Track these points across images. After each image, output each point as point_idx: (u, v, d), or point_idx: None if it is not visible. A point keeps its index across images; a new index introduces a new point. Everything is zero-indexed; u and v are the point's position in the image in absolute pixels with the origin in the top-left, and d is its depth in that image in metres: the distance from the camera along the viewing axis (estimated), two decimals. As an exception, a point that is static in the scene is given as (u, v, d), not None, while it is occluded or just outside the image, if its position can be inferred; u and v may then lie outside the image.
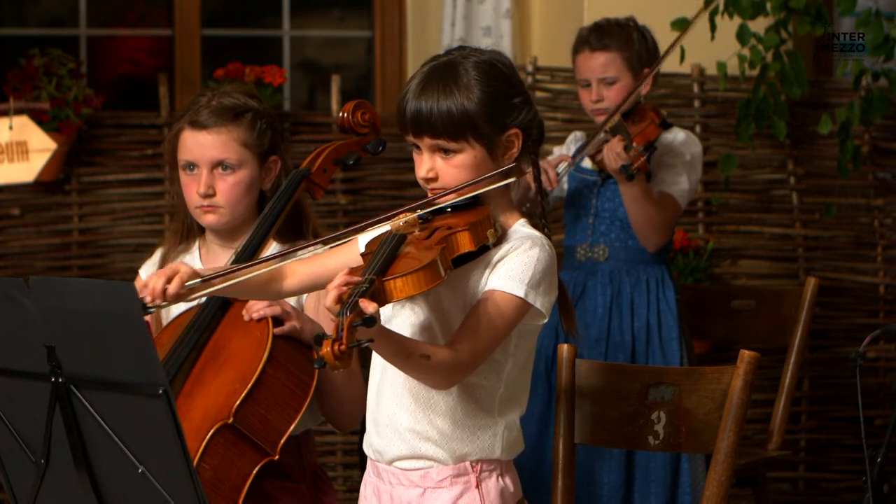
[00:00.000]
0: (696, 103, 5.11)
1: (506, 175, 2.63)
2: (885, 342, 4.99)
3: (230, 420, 2.98)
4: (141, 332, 2.24)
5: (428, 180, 2.65)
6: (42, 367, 2.33)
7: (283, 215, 3.20)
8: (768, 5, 4.61)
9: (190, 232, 3.33)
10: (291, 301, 3.16)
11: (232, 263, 3.14)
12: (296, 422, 3.05)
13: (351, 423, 3.24)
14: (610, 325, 4.14)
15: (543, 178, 4.03)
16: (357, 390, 3.18)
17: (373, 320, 2.35)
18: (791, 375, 4.24)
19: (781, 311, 4.39)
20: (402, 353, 2.50)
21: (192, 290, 2.62)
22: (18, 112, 4.51)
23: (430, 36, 5.37)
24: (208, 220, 3.23)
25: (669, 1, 4.54)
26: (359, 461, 4.99)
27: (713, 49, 4.66)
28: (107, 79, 5.75)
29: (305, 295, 3.20)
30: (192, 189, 3.22)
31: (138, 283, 2.58)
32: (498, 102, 2.62)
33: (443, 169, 2.63)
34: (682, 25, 4.50)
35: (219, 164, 3.21)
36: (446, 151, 2.63)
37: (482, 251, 2.60)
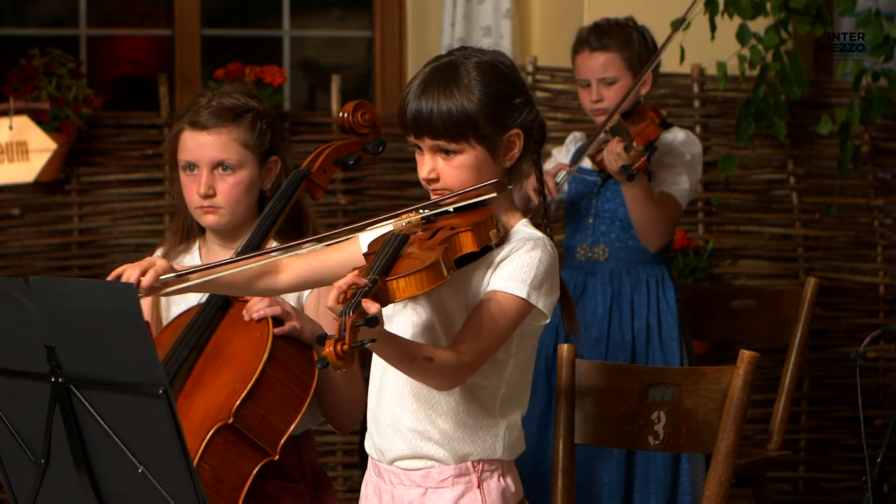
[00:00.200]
0: (696, 103, 5.11)
1: (512, 181, 2.64)
2: (885, 342, 4.99)
3: (230, 420, 2.98)
4: (141, 332, 2.24)
5: (429, 181, 2.65)
6: (42, 367, 2.33)
7: (284, 215, 3.20)
8: (768, 5, 4.61)
9: (190, 232, 3.33)
10: (291, 301, 3.16)
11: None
12: (296, 422, 3.05)
13: (351, 423, 3.24)
14: (610, 326, 4.14)
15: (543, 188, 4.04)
16: (357, 390, 3.18)
17: (375, 320, 2.35)
18: (791, 375, 4.24)
19: (781, 311, 4.39)
20: (406, 356, 2.50)
21: (166, 283, 2.63)
22: (18, 112, 4.51)
23: (430, 36, 5.37)
24: (208, 220, 3.23)
25: (669, 1, 4.53)
26: (359, 461, 4.99)
27: (713, 49, 4.66)
28: (107, 79, 5.75)
29: (306, 295, 3.21)
30: (193, 189, 3.22)
31: (113, 273, 2.59)
32: (499, 103, 2.62)
33: (444, 170, 2.63)
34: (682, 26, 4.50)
35: (219, 165, 3.21)
36: (447, 152, 2.63)
37: (485, 251, 2.60)
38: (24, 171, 4.51)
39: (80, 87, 4.75)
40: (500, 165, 2.65)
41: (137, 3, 5.83)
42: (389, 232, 2.58)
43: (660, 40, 4.21)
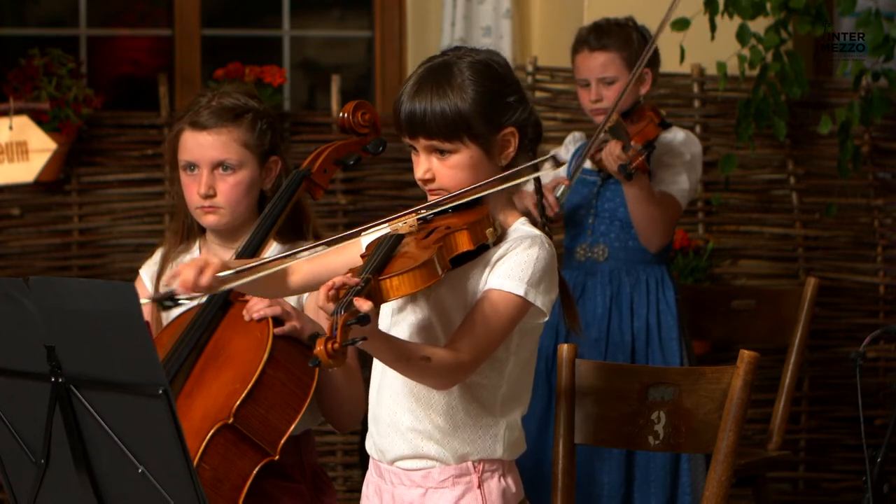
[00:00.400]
0: (696, 103, 5.11)
1: (513, 177, 2.64)
2: (885, 342, 4.99)
3: (230, 420, 2.98)
4: (141, 332, 2.24)
5: (425, 181, 2.65)
6: (42, 367, 2.33)
7: (284, 215, 3.20)
8: (768, 5, 4.61)
9: (190, 232, 3.33)
10: (291, 301, 3.16)
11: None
12: (296, 422, 3.05)
13: (351, 423, 3.24)
14: (609, 326, 4.14)
15: (543, 203, 4.03)
16: (357, 390, 3.18)
17: (367, 318, 2.35)
18: (791, 375, 4.24)
19: (781, 311, 4.39)
20: (402, 356, 2.50)
21: (224, 281, 2.58)
22: (18, 112, 4.51)
23: (430, 36, 5.37)
24: (209, 220, 3.23)
25: (669, 1, 4.53)
26: (359, 461, 4.99)
27: (713, 49, 4.67)
28: (107, 79, 5.75)
29: (306, 295, 3.21)
30: (193, 189, 3.22)
31: (169, 273, 2.56)
32: (492, 102, 2.62)
33: (439, 170, 2.63)
34: (682, 26, 4.50)
35: (219, 165, 3.21)
36: (442, 152, 2.63)
37: (481, 250, 2.60)
38: (24, 171, 4.51)
39: (80, 87, 4.76)
40: (496, 164, 2.65)
41: (137, 3, 5.83)
42: (386, 233, 2.58)
43: (660, 40, 4.20)
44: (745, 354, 2.84)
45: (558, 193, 4.07)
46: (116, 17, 5.80)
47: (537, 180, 2.73)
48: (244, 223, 3.24)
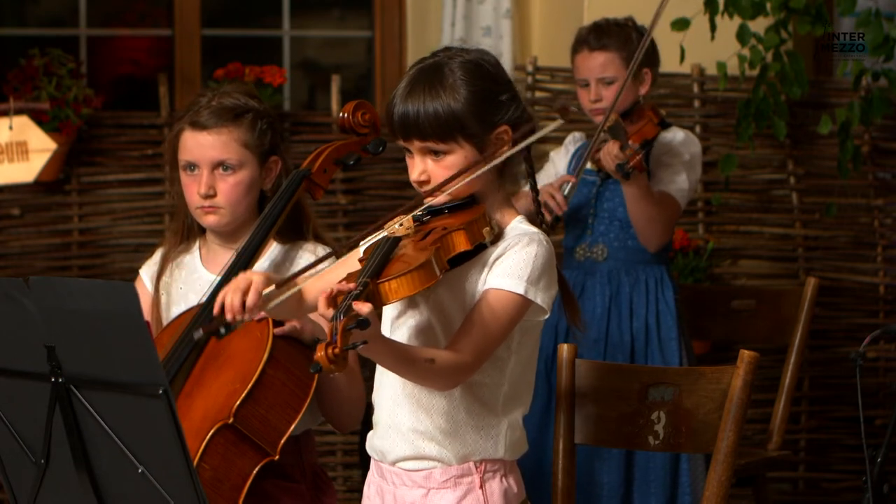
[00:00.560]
0: (696, 103, 5.11)
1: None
2: (885, 342, 4.99)
3: (230, 420, 2.98)
4: (141, 332, 2.24)
5: (420, 183, 2.65)
6: (42, 367, 2.33)
7: (284, 215, 3.20)
8: (768, 5, 4.61)
9: (190, 232, 3.33)
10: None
11: (231, 264, 3.14)
12: (296, 422, 3.05)
13: (351, 423, 3.24)
14: (609, 326, 4.14)
15: (552, 203, 4.03)
16: (357, 390, 3.18)
17: (367, 322, 2.34)
18: (791, 375, 4.24)
19: (781, 311, 4.39)
20: (406, 359, 2.50)
21: (269, 298, 2.54)
22: (18, 112, 4.51)
23: (430, 36, 5.37)
24: (209, 220, 3.23)
25: (669, 1, 4.53)
26: (359, 461, 4.99)
27: (713, 49, 4.67)
28: (107, 79, 5.75)
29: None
30: (193, 189, 3.22)
31: (217, 305, 2.52)
32: (485, 101, 2.62)
33: (434, 171, 2.63)
34: (682, 26, 4.50)
35: (219, 165, 3.21)
36: (437, 153, 2.63)
37: (479, 250, 2.60)
38: (24, 171, 4.51)
39: (80, 87, 4.76)
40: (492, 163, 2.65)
41: (137, 3, 5.83)
42: (383, 236, 2.58)
43: (660, 40, 4.21)
44: (745, 354, 2.84)
45: (566, 192, 4.07)
46: (116, 17, 5.80)
47: (528, 161, 2.73)
48: (244, 223, 3.24)
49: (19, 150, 4.49)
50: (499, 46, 5.22)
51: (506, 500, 2.67)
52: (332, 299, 2.40)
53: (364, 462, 2.83)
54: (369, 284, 2.42)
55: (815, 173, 5.11)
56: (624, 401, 2.95)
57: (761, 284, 5.08)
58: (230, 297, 2.53)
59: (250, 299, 2.53)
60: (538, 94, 5.18)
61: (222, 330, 2.52)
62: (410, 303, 2.63)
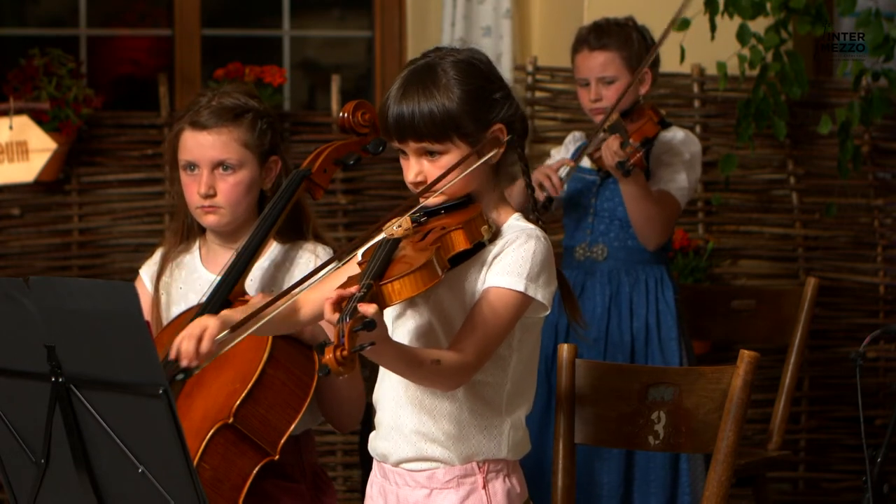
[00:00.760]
0: (696, 103, 5.11)
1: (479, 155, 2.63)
2: (885, 342, 4.99)
3: (230, 420, 2.98)
4: (141, 332, 2.24)
5: (416, 184, 2.65)
6: (42, 367, 2.33)
7: (284, 215, 3.20)
8: (768, 5, 4.61)
9: (190, 232, 3.33)
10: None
11: (231, 264, 3.15)
12: (296, 422, 3.05)
13: (351, 423, 3.24)
14: (609, 325, 4.14)
15: (547, 184, 4.04)
16: (357, 390, 3.18)
17: (373, 324, 2.35)
18: (791, 375, 4.24)
19: (781, 311, 4.39)
20: (412, 361, 2.50)
21: (223, 343, 2.58)
22: (18, 112, 4.51)
23: (430, 36, 5.37)
24: (209, 220, 3.23)
25: (669, 1, 4.53)
26: (359, 461, 4.98)
27: (713, 49, 4.67)
28: (107, 79, 5.75)
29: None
30: (193, 189, 3.22)
31: (173, 351, 2.55)
32: (479, 99, 2.62)
33: (430, 171, 2.63)
34: (682, 26, 4.50)
35: (219, 165, 3.21)
36: (432, 153, 2.63)
37: (478, 249, 2.60)
38: (24, 171, 4.51)
39: (80, 87, 4.76)
40: (486, 162, 2.65)
41: (137, 3, 5.83)
42: (382, 238, 2.58)
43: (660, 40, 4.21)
44: (745, 354, 2.84)
45: (563, 174, 4.07)
46: (116, 17, 5.80)
47: (523, 159, 2.73)
48: (244, 223, 3.24)
49: (19, 149, 4.49)
50: (499, 46, 5.22)
51: (509, 500, 2.67)
52: (337, 303, 2.40)
53: (364, 462, 2.83)
54: (373, 286, 2.42)
55: (815, 173, 5.11)
56: (624, 401, 2.95)
57: (761, 284, 5.08)
58: (185, 344, 2.56)
59: (204, 346, 2.56)
60: (538, 94, 5.18)
61: (180, 376, 2.60)
62: (410, 303, 2.63)
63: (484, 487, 2.66)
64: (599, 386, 2.97)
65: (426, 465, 2.66)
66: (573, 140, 4.32)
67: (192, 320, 3.09)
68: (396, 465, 2.69)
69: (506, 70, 5.12)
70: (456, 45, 5.12)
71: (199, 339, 2.56)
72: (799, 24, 4.68)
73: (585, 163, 4.18)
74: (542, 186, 4.04)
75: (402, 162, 2.68)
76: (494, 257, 2.61)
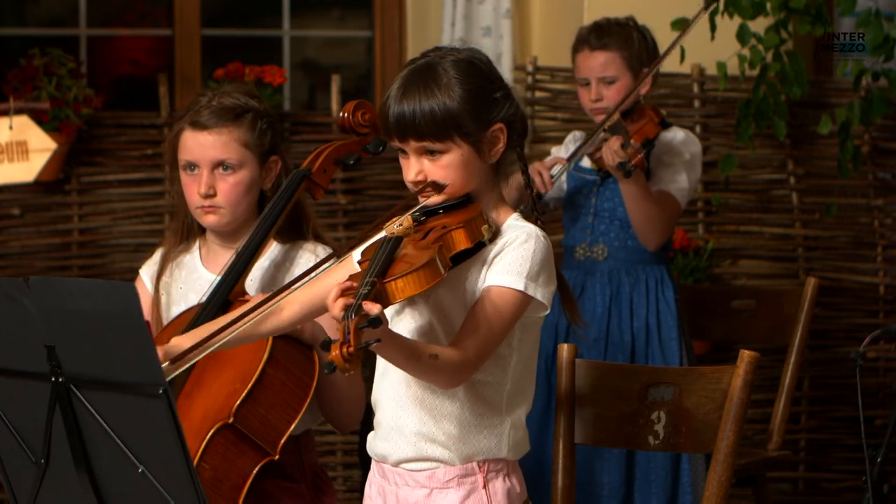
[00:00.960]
0: (696, 103, 5.11)
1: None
2: (885, 342, 4.99)
3: (230, 420, 2.98)
4: (141, 332, 2.24)
5: (416, 184, 2.65)
6: (42, 367, 2.33)
7: (284, 215, 3.20)
8: (768, 5, 4.61)
9: (190, 232, 3.33)
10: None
11: (231, 264, 3.15)
12: (296, 422, 3.05)
13: (351, 423, 3.24)
14: (609, 325, 4.14)
15: (538, 180, 4.04)
16: (357, 390, 3.18)
17: (378, 321, 2.35)
18: (791, 375, 4.24)
19: (781, 311, 4.39)
20: (412, 355, 2.50)
21: (167, 372, 2.53)
22: (18, 112, 4.51)
23: (430, 36, 5.37)
24: (209, 220, 3.23)
25: (669, 1, 4.54)
26: (359, 461, 4.99)
27: (713, 49, 4.66)
28: (107, 79, 5.75)
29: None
30: (193, 189, 3.22)
31: None
32: (479, 99, 2.62)
33: (431, 170, 2.63)
34: (682, 25, 4.50)
35: (219, 165, 3.21)
36: (433, 153, 2.63)
37: (478, 248, 2.60)
38: (24, 170, 4.51)
39: (80, 87, 4.76)
40: (486, 161, 2.65)
41: (137, 3, 5.83)
42: (382, 237, 2.58)
43: (660, 40, 4.21)
44: (745, 354, 2.84)
45: (554, 172, 4.07)
46: (116, 17, 5.80)
47: (522, 159, 2.73)
48: (244, 223, 3.24)
49: (19, 149, 4.49)
50: (499, 46, 5.22)
51: (509, 499, 2.67)
52: (343, 300, 2.40)
53: (364, 462, 2.83)
54: (376, 284, 2.42)
55: (815, 173, 5.11)
56: (624, 401, 2.95)
57: (761, 284, 5.08)
58: None
59: None
60: (538, 94, 5.18)
61: None
62: (410, 302, 2.63)
63: (484, 487, 2.66)
64: (599, 386, 2.97)
65: (426, 465, 2.66)
66: (573, 140, 4.32)
67: (192, 320, 3.11)
68: (396, 465, 2.68)
69: (506, 70, 5.12)
70: (456, 45, 5.12)
71: None
72: (799, 24, 4.68)
73: (585, 163, 4.19)
74: (532, 182, 4.04)
75: (402, 161, 2.68)
76: (495, 256, 2.61)
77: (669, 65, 4.56)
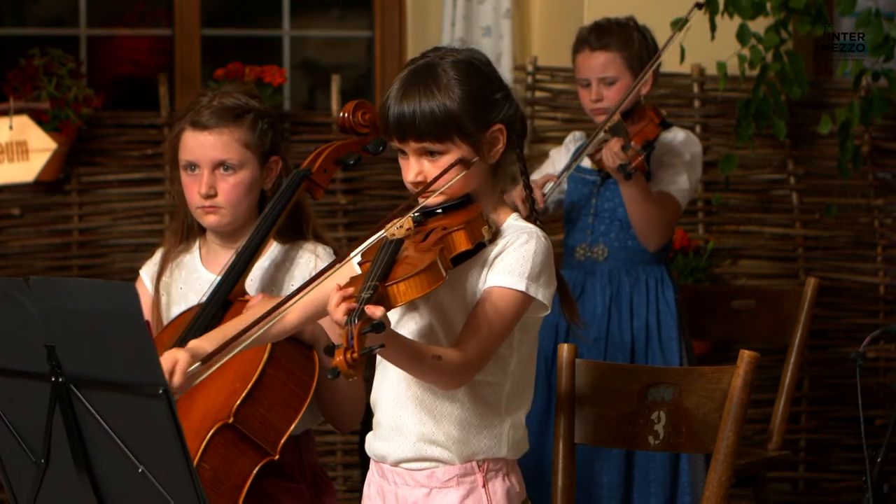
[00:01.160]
0: (696, 103, 5.11)
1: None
2: (885, 342, 4.99)
3: (230, 420, 2.98)
4: (141, 332, 2.24)
5: (416, 184, 2.65)
6: (42, 367, 2.33)
7: (284, 215, 3.20)
8: (768, 5, 4.61)
9: (190, 232, 3.33)
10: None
11: (231, 264, 3.14)
12: (296, 422, 3.05)
13: (351, 423, 3.24)
14: (609, 325, 4.14)
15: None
16: (357, 390, 3.18)
17: (382, 325, 2.34)
18: (791, 375, 4.24)
19: (781, 311, 4.39)
20: (415, 356, 2.50)
21: (193, 376, 2.58)
22: (18, 112, 4.51)
23: (430, 36, 5.37)
24: (210, 220, 3.23)
25: (669, 1, 4.54)
26: (359, 461, 4.99)
27: (713, 49, 4.66)
28: (107, 79, 5.75)
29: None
30: (194, 189, 3.22)
31: None
32: (479, 100, 2.62)
33: (430, 171, 2.63)
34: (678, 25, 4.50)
35: (220, 165, 3.21)
36: (432, 153, 2.63)
37: (478, 249, 2.60)
38: (24, 170, 4.51)
39: (80, 87, 4.76)
40: (486, 162, 2.65)
41: (137, 3, 5.82)
42: (382, 239, 2.58)
43: (660, 40, 4.21)
44: (745, 354, 2.84)
45: (546, 190, 4.07)
46: (116, 17, 5.80)
47: (522, 160, 2.73)
48: (245, 223, 3.24)
49: (19, 149, 4.49)
50: (499, 46, 5.22)
51: (508, 499, 2.67)
52: (346, 305, 2.39)
53: (364, 462, 2.83)
54: (378, 287, 2.41)
55: (815, 173, 5.11)
56: (624, 401, 2.95)
57: (761, 284, 5.08)
58: None
59: (175, 380, 2.56)
60: (538, 94, 5.18)
61: None
62: (411, 305, 2.62)
63: (484, 486, 2.66)
64: (599, 386, 2.97)
65: (426, 465, 2.66)
66: (573, 140, 4.32)
67: (192, 320, 3.11)
68: (395, 464, 2.68)
69: (506, 70, 5.12)
70: (456, 45, 5.12)
71: (171, 374, 2.56)
72: (799, 24, 4.68)
73: (586, 163, 4.18)
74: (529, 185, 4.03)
75: (402, 162, 2.68)
76: (495, 257, 2.61)
77: (669, 65, 4.56)
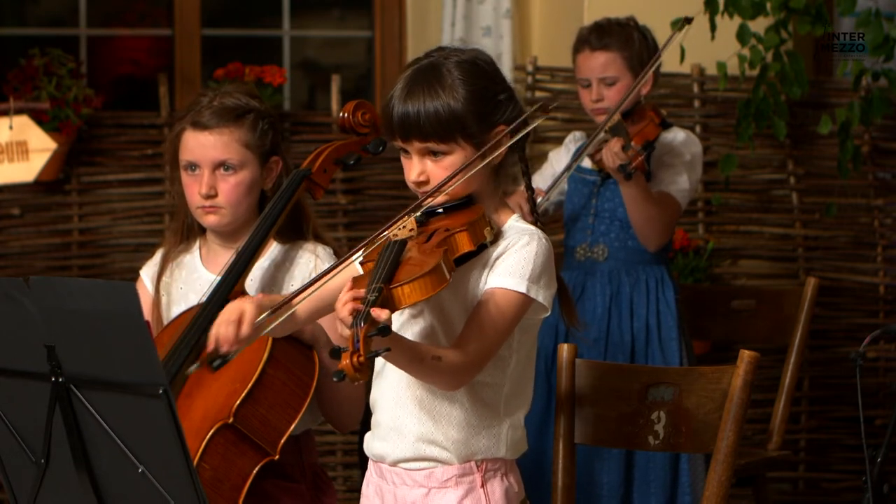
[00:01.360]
0: (696, 103, 5.11)
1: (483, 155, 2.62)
2: (885, 342, 4.99)
3: (230, 420, 2.98)
4: (141, 332, 2.24)
5: (419, 184, 2.64)
6: (42, 367, 2.33)
7: (284, 215, 3.20)
8: (768, 5, 4.61)
9: (190, 232, 3.33)
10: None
11: (231, 264, 3.14)
12: (296, 422, 3.05)
13: (351, 423, 3.24)
14: (609, 325, 4.14)
15: (518, 213, 4.03)
16: (357, 390, 3.18)
17: (387, 329, 2.34)
18: (791, 375, 4.24)
19: (781, 311, 4.39)
20: (416, 357, 2.50)
21: (261, 326, 2.56)
22: (18, 112, 4.51)
23: (430, 36, 5.37)
24: (210, 220, 3.23)
25: (669, 1, 4.54)
26: (359, 461, 4.98)
27: (713, 49, 4.67)
28: (107, 79, 5.75)
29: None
30: (194, 189, 3.22)
31: (211, 340, 2.54)
32: (483, 100, 2.62)
33: (434, 171, 2.63)
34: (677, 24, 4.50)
35: (220, 165, 3.21)
36: (436, 153, 2.63)
37: (480, 250, 2.60)
38: (24, 170, 4.51)
39: (80, 87, 4.76)
40: (489, 163, 2.65)
41: (137, 3, 5.82)
42: (385, 239, 2.57)
43: (660, 40, 4.21)
44: (745, 354, 2.84)
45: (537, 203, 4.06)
46: (116, 17, 5.80)
47: (524, 161, 2.73)
48: (245, 223, 3.24)
49: (19, 149, 4.49)
50: (499, 46, 5.22)
51: (507, 499, 2.67)
52: (353, 306, 2.39)
53: (363, 462, 2.83)
54: (383, 290, 2.41)
55: (815, 173, 5.11)
56: (624, 401, 2.95)
57: (761, 284, 5.08)
58: (223, 329, 2.54)
59: (244, 330, 2.55)
60: (538, 94, 5.18)
61: (217, 362, 2.56)
62: (414, 305, 2.62)
63: (482, 486, 2.66)
64: (599, 386, 2.97)
65: (424, 465, 2.66)
66: (573, 140, 4.32)
67: (192, 320, 3.11)
68: (394, 464, 2.68)
69: (506, 70, 5.11)
70: (456, 44, 5.12)
71: (239, 323, 2.54)
72: (799, 24, 4.68)
73: (586, 163, 4.18)
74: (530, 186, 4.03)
75: (404, 161, 2.68)
76: (496, 258, 2.61)
77: (669, 65, 4.56)
